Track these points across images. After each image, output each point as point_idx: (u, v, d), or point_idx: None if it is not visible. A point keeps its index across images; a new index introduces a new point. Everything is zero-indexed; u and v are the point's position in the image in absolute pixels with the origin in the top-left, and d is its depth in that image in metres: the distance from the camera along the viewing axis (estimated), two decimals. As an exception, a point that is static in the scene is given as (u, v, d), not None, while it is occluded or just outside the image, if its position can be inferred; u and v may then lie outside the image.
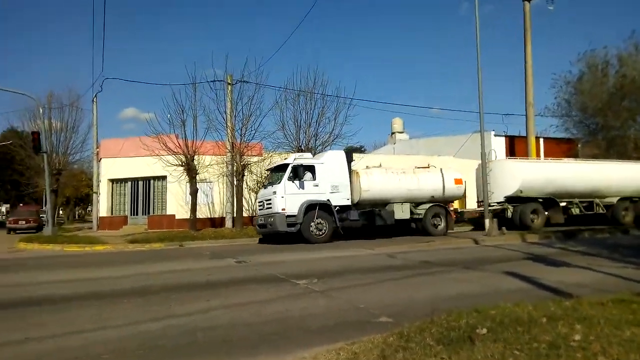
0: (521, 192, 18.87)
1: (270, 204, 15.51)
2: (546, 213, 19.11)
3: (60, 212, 46.71)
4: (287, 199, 15.00)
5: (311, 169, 15.73)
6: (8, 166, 43.17)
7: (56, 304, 6.71)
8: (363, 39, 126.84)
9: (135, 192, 27.70)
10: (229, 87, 21.16)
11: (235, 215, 21.42)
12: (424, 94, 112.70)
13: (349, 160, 16.69)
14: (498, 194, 19.17)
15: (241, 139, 20.71)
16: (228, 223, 22.15)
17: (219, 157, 21.94)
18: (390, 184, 16.72)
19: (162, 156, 19.65)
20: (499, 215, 19.08)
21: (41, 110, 23.82)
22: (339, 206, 15.79)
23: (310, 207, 15.13)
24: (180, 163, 20.13)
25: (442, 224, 17.24)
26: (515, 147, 31.64)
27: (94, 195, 27.98)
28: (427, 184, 17.26)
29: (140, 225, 25.29)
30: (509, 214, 19.06)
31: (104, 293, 7.45)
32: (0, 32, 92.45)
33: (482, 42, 17.60)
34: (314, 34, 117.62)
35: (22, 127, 31.43)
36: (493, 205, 19.59)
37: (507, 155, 29.53)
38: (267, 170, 18.22)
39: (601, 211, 20.44)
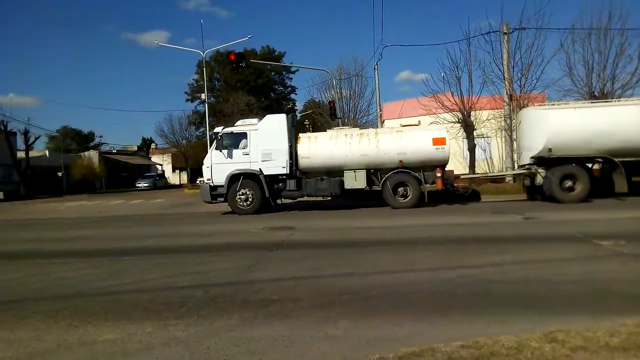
0: (550, 150, 13.95)
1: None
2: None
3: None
4: (214, 169, 14.72)
5: (244, 135, 14.79)
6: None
7: (366, 247, 7.97)
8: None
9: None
10: (505, 36, 19.92)
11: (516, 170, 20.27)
12: None
13: (292, 124, 15.22)
14: (526, 155, 15.01)
15: (520, 90, 19.60)
16: (508, 178, 21.22)
17: (497, 111, 21.13)
18: (338, 149, 14.57)
19: (438, 114, 20.18)
20: (533, 182, 14.76)
21: (334, 81, 27.48)
22: (274, 175, 14.69)
23: (235, 178, 14.54)
24: (457, 120, 20.29)
25: (411, 195, 14.18)
26: None
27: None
28: (390, 148, 14.29)
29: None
30: (539, 180, 14.34)
31: (404, 240, 8.44)
32: (297, 22, 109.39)
33: None
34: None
35: (319, 97, 37.07)
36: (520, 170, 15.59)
37: None
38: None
39: None
